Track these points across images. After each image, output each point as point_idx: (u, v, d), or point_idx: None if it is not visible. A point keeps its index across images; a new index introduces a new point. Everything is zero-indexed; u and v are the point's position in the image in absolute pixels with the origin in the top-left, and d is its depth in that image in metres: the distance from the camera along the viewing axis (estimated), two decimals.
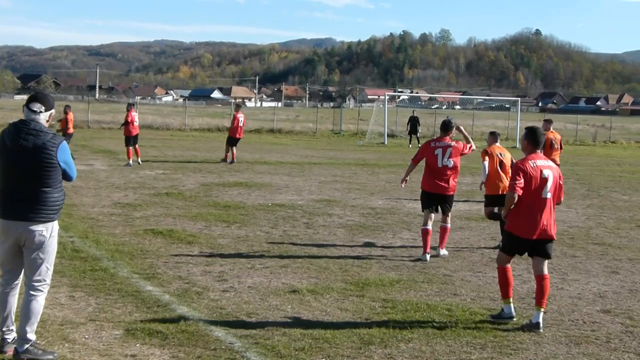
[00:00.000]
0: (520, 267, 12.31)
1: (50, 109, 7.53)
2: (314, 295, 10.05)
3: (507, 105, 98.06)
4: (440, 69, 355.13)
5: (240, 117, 30.72)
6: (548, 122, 20.95)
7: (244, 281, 10.74)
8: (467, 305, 9.85)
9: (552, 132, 20.52)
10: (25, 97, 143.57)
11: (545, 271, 9.41)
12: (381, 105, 59.92)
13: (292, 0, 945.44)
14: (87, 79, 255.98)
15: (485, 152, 14.44)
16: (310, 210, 18.17)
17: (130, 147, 28.51)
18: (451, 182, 12.81)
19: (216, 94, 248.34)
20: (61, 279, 10.15)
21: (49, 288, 7.68)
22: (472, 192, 23.16)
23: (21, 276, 7.59)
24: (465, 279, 11.44)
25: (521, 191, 9.06)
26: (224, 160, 30.33)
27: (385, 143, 49.57)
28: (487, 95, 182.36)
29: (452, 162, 12.65)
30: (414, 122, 48.46)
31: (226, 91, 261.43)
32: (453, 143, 12.88)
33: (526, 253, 9.55)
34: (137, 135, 29.08)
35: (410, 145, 47.37)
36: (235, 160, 29.97)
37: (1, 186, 7.49)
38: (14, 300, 7.59)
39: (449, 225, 13.34)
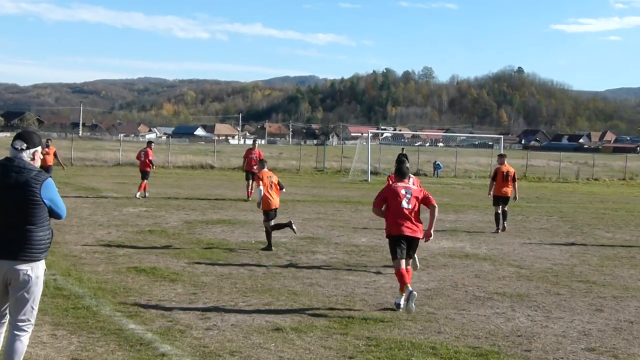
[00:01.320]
0: (504, 305, 12.31)
1: (35, 147, 7.50)
2: (298, 333, 10.00)
3: (490, 143, 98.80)
4: (423, 106, 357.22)
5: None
6: (502, 157, 24.64)
7: (227, 319, 10.68)
8: (452, 344, 9.82)
9: (505, 165, 23.70)
10: (8, 134, 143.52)
11: (409, 264, 12.43)
12: (364, 143, 60.14)
13: (275, 38, 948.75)
14: (70, 117, 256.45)
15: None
16: (294, 247, 18.13)
17: (145, 181, 30.70)
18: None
19: (199, 132, 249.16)
20: (43, 317, 10.06)
21: (33, 328, 7.61)
22: (456, 230, 23.18)
23: (6, 315, 7.52)
24: (449, 316, 11.41)
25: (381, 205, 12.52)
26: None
27: (369, 180, 49.63)
28: (470, 133, 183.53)
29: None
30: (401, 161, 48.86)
31: (209, 128, 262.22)
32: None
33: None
34: (147, 172, 31.40)
35: None
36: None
37: None
38: (0, 339, 7.53)
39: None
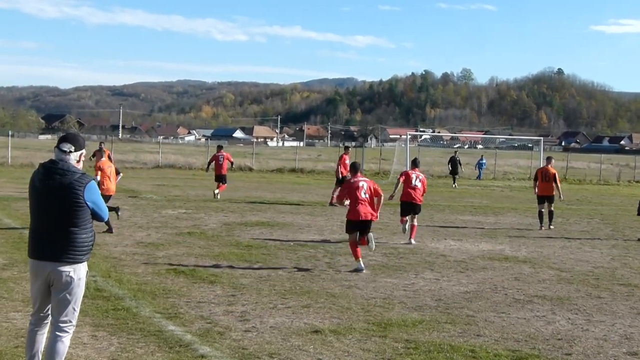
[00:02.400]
0: (544, 308, 12.22)
1: (80, 149, 7.56)
2: (336, 336, 10.00)
3: (529, 145, 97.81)
4: (462, 108, 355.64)
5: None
6: (549, 159, 25.83)
7: (266, 321, 10.70)
8: (491, 347, 9.77)
9: (548, 167, 25.00)
10: (49, 137, 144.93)
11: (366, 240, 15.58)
12: (403, 145, 60.01)
13: (314, 40, 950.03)
14: (110, 119, 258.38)
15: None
16: (332, 249, 18.13)
17: (221, 183, 32.59)
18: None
19: (238, 134, 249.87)
20: (84, 318, 10.14)
21: (74, 329, 7.67)
22: (495, 233, 23.07)
23: (49, 316, 7.60)
24: (488, 319, 11.34)
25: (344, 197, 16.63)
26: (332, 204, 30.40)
27: None
28: (510, 135, 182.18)
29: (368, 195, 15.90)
30: (454, 163, 48.81)
31: (248, 131, 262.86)
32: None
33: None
34: (224, 175, 33.09)
35: (455, 185, 47.59)
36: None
37: (31, 226, 7.56)
38: (42, 340, 7.61)
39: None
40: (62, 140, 7.55)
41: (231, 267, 15.21)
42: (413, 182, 19.91)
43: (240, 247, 18.04)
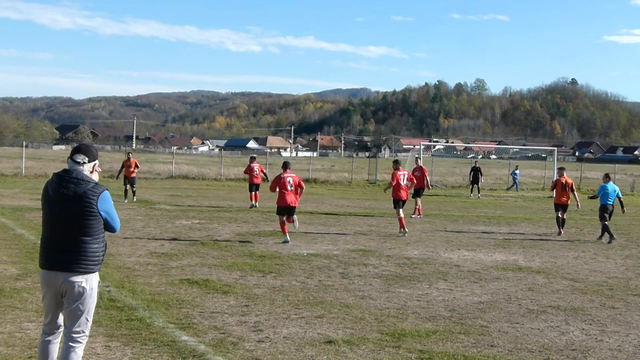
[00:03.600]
0: (558, 319, 12.19)
1: (94, 160, 7.61)
2: (350, 346, 9.99)
3: (543, 155, 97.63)
4: (476, 118, 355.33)
5: (401, 174, 25.69)
6: (561, 170, 26.88)
7: (280, 331, 10.70)
8: (505, 357, 9.74)
9: (564, 177, 26.15)
10: (63, 147, 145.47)
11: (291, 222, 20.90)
12: (416, 155, 59.97)
13: (327, 51, 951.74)
14: (124, 129, 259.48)
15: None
16: (346, 260, 18.12)
17: (253, 192, 33.75)
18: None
19: (252, 144, 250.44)
20: (97, 329, 10.16)
21: (87, 339, 7.69)
22: (509, 243, 23.02)
23: (62, 326, 7.61)
24: (502, 330, 11.32)
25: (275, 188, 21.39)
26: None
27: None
28: (523, 145, 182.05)
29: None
30: (475, 172, 48.80)
31: (262, 141, 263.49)
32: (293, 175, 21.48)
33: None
34: (258, 184, 34.16)
35: (472, 195, 47.58)
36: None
37: (43, 236, 7.57)
38: (55, 349, 7.63)
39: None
40: (76, 151, 7.58)
41: (244, 277, 15.22)
42: (287, 185, 21.53)
43: (254, 257, 18.05)
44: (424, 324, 11.46)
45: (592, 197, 26.45)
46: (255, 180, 33.96)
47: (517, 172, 58.60)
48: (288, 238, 21.08)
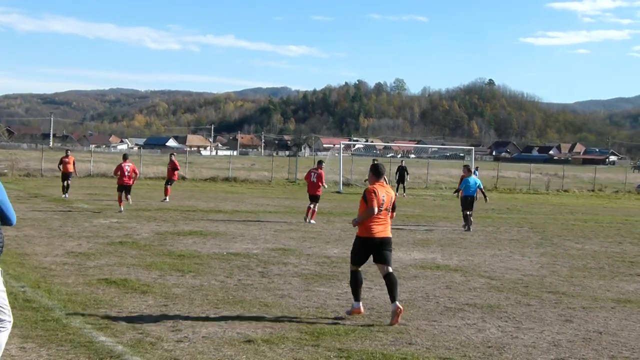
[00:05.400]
0: (475, 316, 12.36)
1: None
2: (269, 345, 9.98)
3: (461, 154, 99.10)
4: (395, 118, 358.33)
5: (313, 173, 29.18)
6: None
7: (199, 331, 10.64)
8: (423, 355, 9.83)
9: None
10: None
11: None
12: (336, 154, 60.24)
13: (247, 49, 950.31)
14: (41, 127, 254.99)
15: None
16: (266, 259, 18.10)
17: (169, 186, 36.13)
18: None
19: (171, 143, 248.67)
20: (12, 330, 9.98)
21: (10, 326, 7.83)
22: (428, 241, 23.25)
23: None
24: (420, 327, 11.42)
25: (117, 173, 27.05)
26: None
27: (341, 191, 49.73)
28: (442, 144, 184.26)
29: None
30: (402, 172, 49.09)
31: (181, 139, 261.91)
32: None
33: None
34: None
35: (398, 194, 47.81)
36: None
37: None
38: None
39: None
40: None
41: (163, 276, 15.11)
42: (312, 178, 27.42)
43: (173, 256, 17.92)
44: (343, 323, 11.51)
45: (456, 191, 28.47)
46: (175, 176, 35.66)
47: (476, 172, 58.88)
48: (122, 209, 29.29)
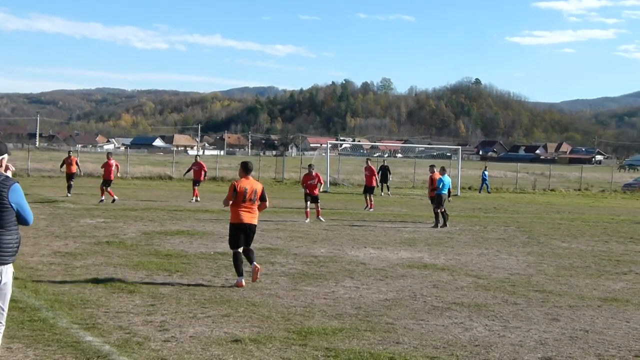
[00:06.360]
0: (462, 315, 12.38)
1: (2, 154, 7.77)
2: (257, 345, 9.98)
3: (448, 154, 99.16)
4: (382, 117, 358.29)
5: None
6: (432, 167, 30.74)
7: (186, 331, 10.63)
8: (410, 354, 9.84)
9: (435, 173, 29.59)
10: None
11: None
12: (323, 154, 60.22)
13: (234, 49, 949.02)
14: (27, 127, 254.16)
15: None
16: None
17: (196, 187, 37.76)
18: None
19: (158, 142, 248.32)
20: None
21: (3, 329, 7.89)
22: (414, 241, 23.27)
23: None
24: (407, 327, 11.44)
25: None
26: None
27: (328, 190, 49.73)
28: (429, 144, 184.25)
29: None
30: (384, 171, 48.99)
31: (168, 139, 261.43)
32: None
33: None
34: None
35: (382, 194, 47.82)
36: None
37: None
38: None
39: None
40: None
41: (150, 276, 15.09)
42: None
43: (160, 256, 17.90)
44: (330, 322, 11.52)
45: (433, 190, 28.99)
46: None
47: (486, 172, 58.77)
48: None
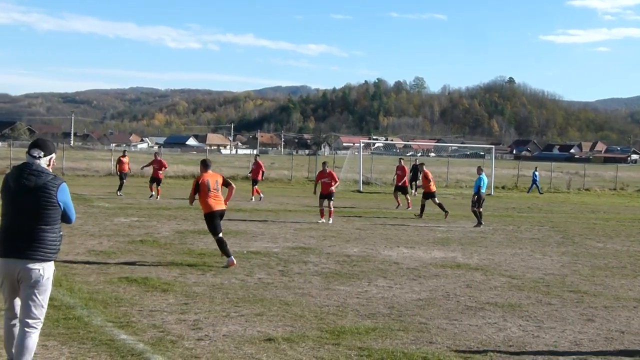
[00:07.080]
0: (496, 315, 12.31)
1: (50, 154, 7.97)
2: (290, 344, 9.98)
3: (481, 153, 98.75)
4: (415, 116, 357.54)
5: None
6: (422, 165, 34.61)
7: (219, 329, 10.65)
8: (444, 354, 9.81)
9: (424, 171, 32.66)
10: (0, 144, 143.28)
11: None
12: (356, 153, 60.13)
13: (267, 48, 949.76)
14: (62, 126, 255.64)
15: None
16: (286, 257, 18.11)
17: (256, 186, 39.00)
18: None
19: (191, 141, 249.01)
20: None
21: (42, 325, 7.96)
22: (447, 241, 23.19)
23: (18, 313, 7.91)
24: (441, 326, 11.40)
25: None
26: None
27: (361, 190, 49.67)
28: (462, 143, 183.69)
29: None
30: (415, 171, 48.74)
31: (201, 138, 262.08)
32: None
33: None
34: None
35: (415, 193, 47.52)
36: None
37: (3, 226, 7.85)
38: (15, 336, 7.95)
39: None
40: (32, 146, 7.92)
41: (184, 275, 15.14)
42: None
43: (193, 255, 17.97)
44: (363, 322, 11.50)
45: (476, 192, 28.41)
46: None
47: (536, 172, 58.14)
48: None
